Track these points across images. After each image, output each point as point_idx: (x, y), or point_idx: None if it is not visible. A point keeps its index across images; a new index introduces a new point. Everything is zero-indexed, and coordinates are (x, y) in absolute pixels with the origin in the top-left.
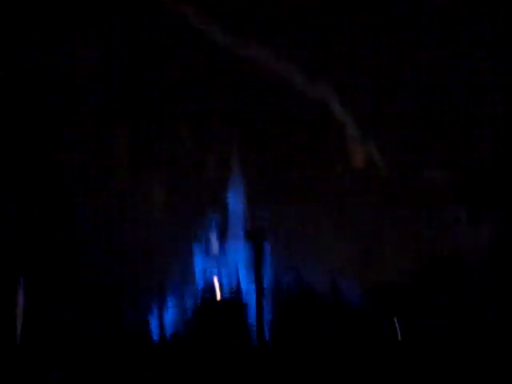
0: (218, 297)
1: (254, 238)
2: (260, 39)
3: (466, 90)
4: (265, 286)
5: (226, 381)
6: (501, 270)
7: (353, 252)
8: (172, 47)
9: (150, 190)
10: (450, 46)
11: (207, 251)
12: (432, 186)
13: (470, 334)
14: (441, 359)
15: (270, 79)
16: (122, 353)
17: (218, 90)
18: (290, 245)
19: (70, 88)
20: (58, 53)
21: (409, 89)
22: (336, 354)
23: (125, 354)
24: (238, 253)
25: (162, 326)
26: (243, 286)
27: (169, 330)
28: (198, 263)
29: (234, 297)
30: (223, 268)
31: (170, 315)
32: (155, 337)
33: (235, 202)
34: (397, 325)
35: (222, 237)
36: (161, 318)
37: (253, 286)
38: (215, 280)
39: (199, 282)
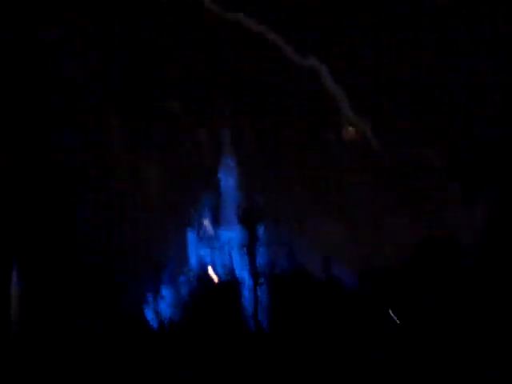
0: (213, 281)
1: (248, 221)
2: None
3: (465, 85)
4: (259, 270)
5: (223, 367)
6: (495, 251)
7: (347, 234)
8: (172, 47)
9: (143, 176)
10: (450, 45)
11: (201, 236)
12: (425, 164)
13: (465, 316)
14: (436, 343)
15: (262, 61)
16: (119, 341)
17: (217, 88)
18: (284, 227)
19: (70, 88)
20: (58, 53)
21: (406, 75)
22: (332, 337)
23: (121, 343)
24: (232, 236)
25: (157, 313)
26: (237, 269)
27: (164, 317)
28: (192, 248)
29: (229, 281)
30: (217, 252)
31: (166, 302)
32: (151, 324)
33: (228, 184)
34: (391, 312)
35: (216, 221)
36: (156, 304)
37: (247, 270)
38: (209, 265)
39: (193, 267)
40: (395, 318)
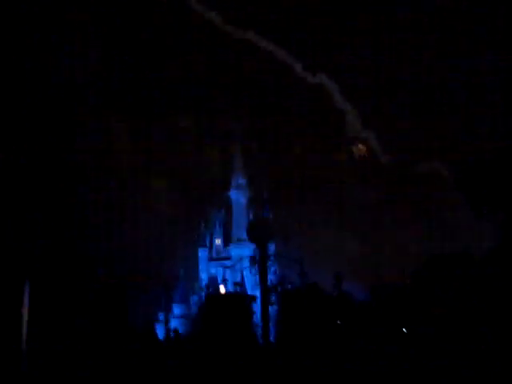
0: (225, 299)
1: (259, 238)
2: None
3: (466, 89)
4: (271, 287)
5: (231, 375)
6: (506, 264)
7: (355, 249)
8: (172, 47)
9: (155, 194)
10: (450, 45)
11: (212, 249)
12: (435, 178)
13: (475, 329)
14: (446, 355)
15: (269, 75)
16: (130, 349)
17: (219, 89)
18: (294, 241)
19: (71, 88)
20: (58, 53)
21: (410, 82)
22: (340, 349)
23: (133, 359)
24: (243, 254)
25: (168, 330)
26: (249, 287)
27: (176, 334)
28: (203, 266)
29: (241, 298)
30: (229, 270)
31: (177, 319)
32: (162, 341)
33: (239, 203)
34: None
35: (227, 239)
36: (167, 322)
37: (259, 287)
38: (221, 283)
39: (205, 285)
40: (404, 330)
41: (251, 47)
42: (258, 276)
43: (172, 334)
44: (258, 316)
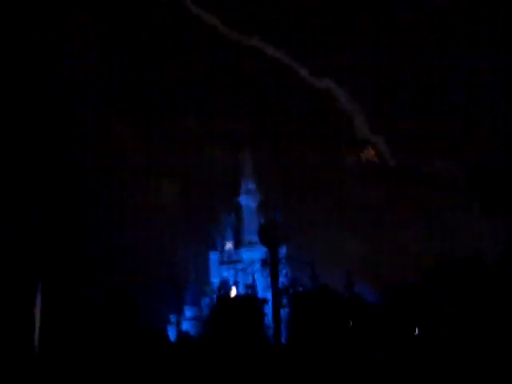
0: (236, 302)
1: (270, 241)
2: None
3: (467, 89)
4: (282, 289)
5: (243, 377)
6: None
7: (366, 250)
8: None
9: (167, 198)
10: (450, 45)
11: (223, 253)
12: (445, 180)
13: (484, 330)
14: (456, 356)
15: (276, 77)
16: (142, 350)
17: (224, 91)
18: (304, 241)
19: (71, 88)
20: (58, 53)
21: (410, 83)
22: (352, 351)
23: (144, 351)
24: (255, 257)
25: (180, 333)
26: (260, 290)
27: (188, 337)
28: (215, 270)
29: (252, 301)
30: (240, 273)
31: (189, 322)
32: (174, 343)
33: (249, 207)
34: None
35: (238, 242)
36: (179, 324)
37: (270, 290)
38: (232, 286)
39: (216, 288)
40: (416, 330)
41: (252, 47)
42: (269, 278)
43: (187, 341)
44: (269, 318)
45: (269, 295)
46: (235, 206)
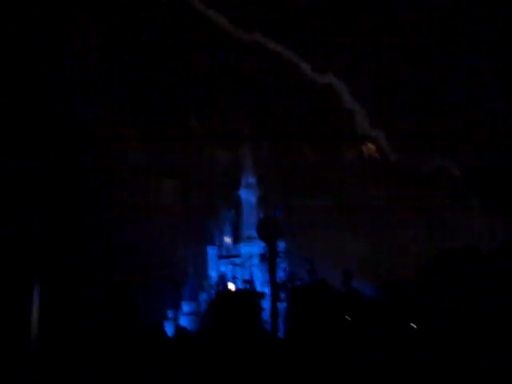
0: (234, 296)
1: (268, 236)
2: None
3: (467, 88)
4: (280, 284)
5: (241, 371)
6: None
7: (366, 249)
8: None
9: (165, 194)
10: (450, 45)
11: (221, 247)
12: (445, 175)
13: (483, 325)
14: (455, 351)
15: (276, 76)
16: (139, 346)
17: (224, 91)
18: (303, 238)
19: (71, 88)
20: (58, 53)
21: (410, 82)
22: (349, 345)
23: (141, 347)
24: (253, 252)
25: (178, 328)
26: (258, 284)
27: (185, 331)
28: (213, 264)
29: (250, 295)
30: (238, 268)
31: (186, 317)
32: (172, 338)
33: (248, 202)
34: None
35: (237, 237)
36: (177, 319)
37: (268, 285)
38: (230, 280)
39: (214, 282)
40: (414, 326)
41: (252, 46)
42: (267, 273)
43: (185, 336)
44: (267, 313)
45: (267, 290)
46: (235, 200)
